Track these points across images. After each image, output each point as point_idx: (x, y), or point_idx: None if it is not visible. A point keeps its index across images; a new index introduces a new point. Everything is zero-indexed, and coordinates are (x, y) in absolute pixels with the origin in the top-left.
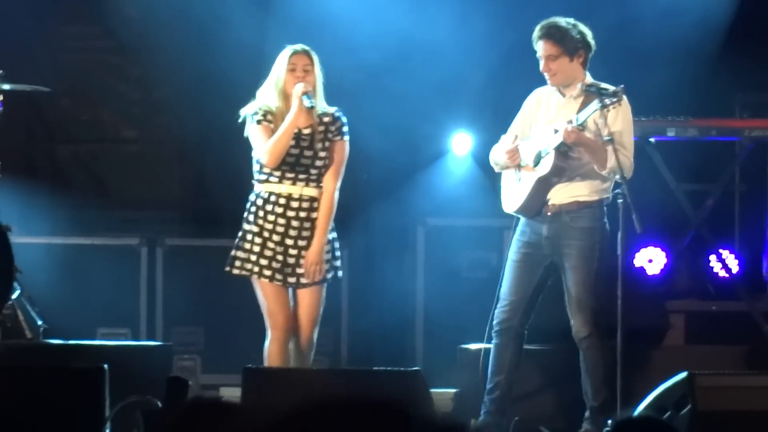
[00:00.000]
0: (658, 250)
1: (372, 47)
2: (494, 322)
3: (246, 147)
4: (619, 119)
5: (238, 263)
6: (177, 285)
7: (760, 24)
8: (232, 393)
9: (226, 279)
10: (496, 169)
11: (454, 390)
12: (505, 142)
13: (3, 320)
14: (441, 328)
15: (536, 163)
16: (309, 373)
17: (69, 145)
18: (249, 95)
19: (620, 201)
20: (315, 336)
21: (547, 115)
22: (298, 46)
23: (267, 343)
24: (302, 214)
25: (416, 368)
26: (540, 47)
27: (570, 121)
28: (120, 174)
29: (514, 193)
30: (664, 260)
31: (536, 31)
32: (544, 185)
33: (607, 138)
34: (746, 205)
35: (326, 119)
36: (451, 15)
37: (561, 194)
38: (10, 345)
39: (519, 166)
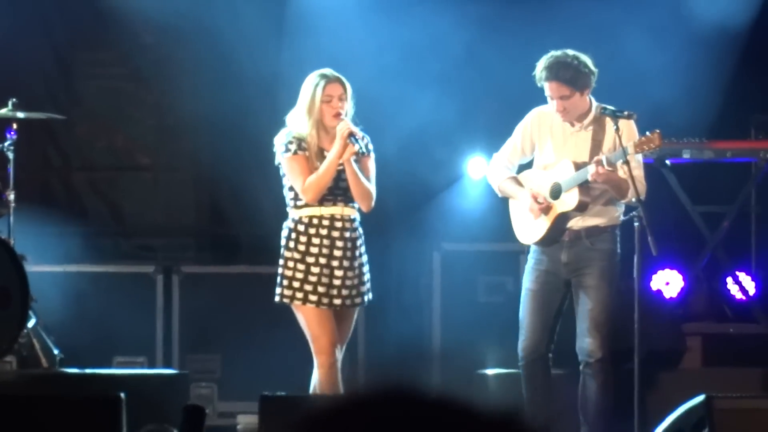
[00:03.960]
0: (675, 272)
1: (385, 71)
2: (520, 354)
3: (263, 173)
4: (634, 138)
5: (281, 291)
6: (193, 312)
7: None
8: (249, 420)
9: (242, 306)
10: (499, 193)
11: None
12: (523, 179)
13: (19, 349)
14: (457, 354)
15: (555, 196)
16: (326, 399)
17: (84, 172)
18: (264, 121)
19: (636, 224)
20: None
21: (554, 142)
22: (330, 74)
23: (315, 369)
24: (346, 234)
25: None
26: (550, 88)
27: (599, 161)
28: (135, 201)
29: (530, 226)
30: (681, 283)
31: (542, 71)
32: (564, 219)
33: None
34: (762, 226)
35: (356, 149)
36: (467, 39)
37: (580, 222)
38: (27, 374)
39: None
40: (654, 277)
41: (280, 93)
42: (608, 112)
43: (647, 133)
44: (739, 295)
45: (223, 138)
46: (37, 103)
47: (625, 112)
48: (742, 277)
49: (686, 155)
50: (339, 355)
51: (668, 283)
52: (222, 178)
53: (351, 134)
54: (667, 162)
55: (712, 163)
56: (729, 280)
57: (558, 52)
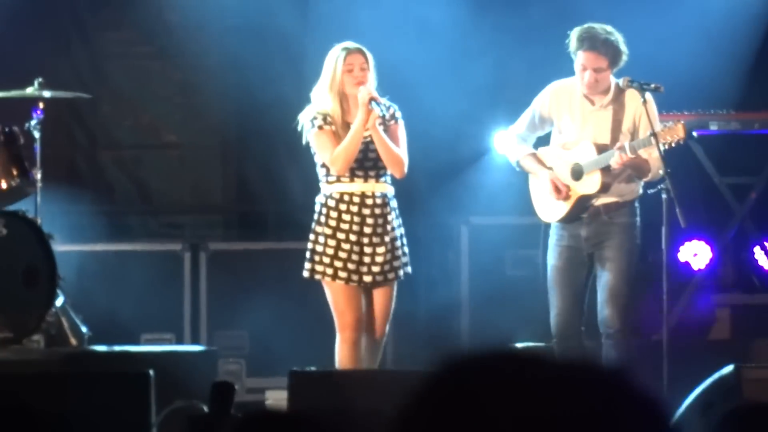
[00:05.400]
0: (703, 243)
1: (411, 45)
2: (553, 331)
3: (290, 149)
4: (655, 117)
5: (311, 267)
6: (221, 289)
7: None
8: (277, 396)
9: (270, 282)
10: (517, 168)
11: None
12: (542, 159)
13: (47, 328)
14: (486, 327)
15: (576, 177)
16: (355, 374)
17: (111, 151)
18: (291, 96)
19: (664, 196)
20: (387, 330)
21: (574, 120)
22: (351, 45)
23: (337, 344)
24: (377, 211)
25: None
26: (586, 58)
27: (623, 148)
28: (162, 179)
29: (550, 205)
30: (709, 254)
31: (583, 41)
32: (586, 199)
33: (650, 133)
34: None
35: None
36: (493, 13)
37: (600, 199)
38: (55, 352)
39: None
40: (682, 248)
41: (307, 69)
42: (635, 85)
43: (670, 123)
44: (767, 266)
45: (249, 114)
46: (63, 82)
47: (652, 84)
48: None
49: (713, 126)
50: (387, 330)
51: (696, 254)
52: (248, 154)
53: (372, 100)
54: (694, 134)
55: (739, 134)
56: (757, 250)
57: (597, 25)
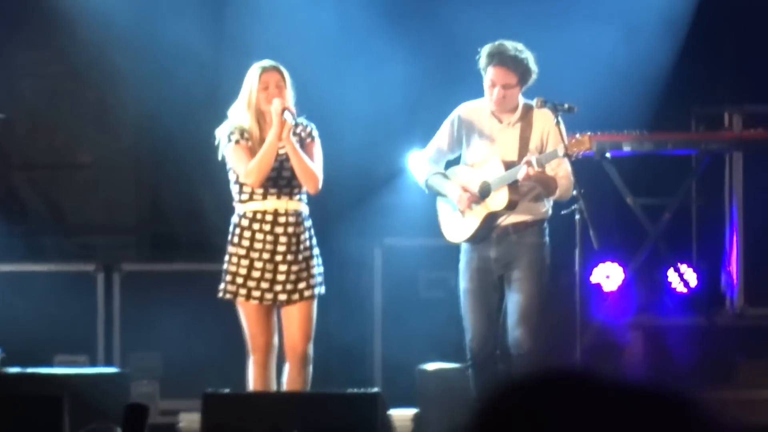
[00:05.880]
0: (616, 265)
1: (326, 65)
2: (469, 355)
3: (203, 170)
4: (564, 138)
5: (225, 287)
6: (134, 310)
7: (714, 38)
8: (191, 418)
9: (183, 303)
10: (426, 189)
11: (413, 411)
12: (455, 179)
13: None
14: (399, 349)
15: (484, 195)
16: (268, 396)
17: (24, 171)
18: (205, 118)
19: (577, 217)
20: (310, 351)
21: (483, 139)
22: (267, 63)
23: (248, 366)
24: (290, 230)
25: (376, 390)
26: (495, 74)
27: (530, 163)
28: (76, 199)
29: (458, 224)
30: (622, 276)
31: (491, 57)
32: (494, 217)
33: (564, 155)
34: (703, 218)
35: (298, 130)
36: (408, 35)
37: (508, 218)
38: None
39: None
40: (594, 270)
41: (221, 90)
42: (549, 105)
43: (577, 135)
44: (680, 288)
45: (163, 135)
46: None
47: (566, 105)
48: (684, 269)
49: (627, 147)
50: (310, 350)
51: (609, 276)
52: (162, 175)
53: (285, 110)
54: (608, 154)
55: (652, 155)
56: (670, 272)
57: (508, 42)
